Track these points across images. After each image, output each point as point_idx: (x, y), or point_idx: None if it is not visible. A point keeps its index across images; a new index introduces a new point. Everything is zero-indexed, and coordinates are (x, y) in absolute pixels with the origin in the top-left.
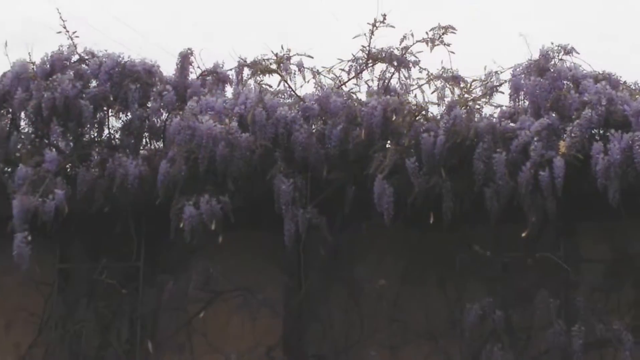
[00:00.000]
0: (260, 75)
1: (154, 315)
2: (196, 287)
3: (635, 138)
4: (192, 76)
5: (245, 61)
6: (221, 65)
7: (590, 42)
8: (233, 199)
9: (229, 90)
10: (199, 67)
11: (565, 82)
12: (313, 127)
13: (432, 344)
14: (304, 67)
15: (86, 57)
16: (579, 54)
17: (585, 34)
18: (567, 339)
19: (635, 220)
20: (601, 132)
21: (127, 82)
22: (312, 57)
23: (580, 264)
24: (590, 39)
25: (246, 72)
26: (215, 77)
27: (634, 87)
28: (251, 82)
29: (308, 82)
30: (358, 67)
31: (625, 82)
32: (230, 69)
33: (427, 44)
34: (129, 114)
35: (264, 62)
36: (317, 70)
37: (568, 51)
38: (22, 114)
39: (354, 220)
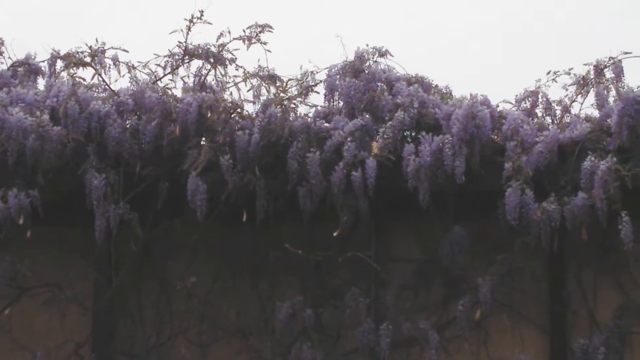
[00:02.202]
0: (74, 68)
1: None
2: (2, 283)
3: (445, 141)
4: (3, 67)
5: (59, 53)
6: (33, 57)
7: (408, 46)
8: (43, 193)
9: (42, 83)
10: (10, 57)
11: (379, 84)
12: (127, 122)
13: (242, 342)
14: (119, 61)
15: None
16: (393, 56)
17: (401, 37)
18: (375, 338)
19: (443, 221)
20: (413, 134)
21: None
22: (128, 52)
23: (390, 263)
24: (405, 42)
25: (59, 64)
26: (27, 69)
27: (445, 91)
28: (64, 74)
29: (123, 76)
30: (174, 63)
31: (437, 85)
32: (43, 61)
33: (244, 41)
34: None
35: (77, 55)
36: (133, 64)
37: (382, 53)
38: None
39: (166, 216)
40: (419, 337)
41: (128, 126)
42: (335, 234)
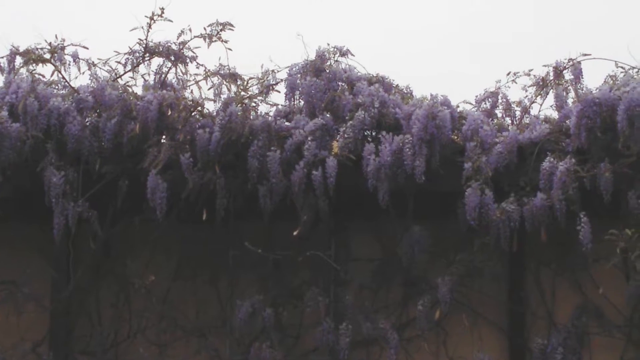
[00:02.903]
0: (33, 65)
1: None
2: None
3: (405, 140)
4: None
5: (18, 49)
6: None
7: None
8: (1, 190)
9: (0, 79)
10: None
11: (340, 83)
12: (87, 119)
13: (201, 341)
14: (79, 58)
15: None
16: (354, 56)
17: (365, 35)
18: (335, 337)
19: (403, 221)
20: (373, 133)
21: None
22: (88, 48)
23: (350, 263)
24: (369, 42)
25: (19, 60)
26: None
27: (406, 91)
28: (23, 71)
29: (83, 73)
30: (135, 61)
31: (397, 85)
32: (2, 57)
33: (204, 39)
34: None
35: (37, 51)
36: (93, 61)
37: (344, 53)
38: None
39: (126, 215)
40: (378, 336)
41: (88, 123)
42: (295, 233)
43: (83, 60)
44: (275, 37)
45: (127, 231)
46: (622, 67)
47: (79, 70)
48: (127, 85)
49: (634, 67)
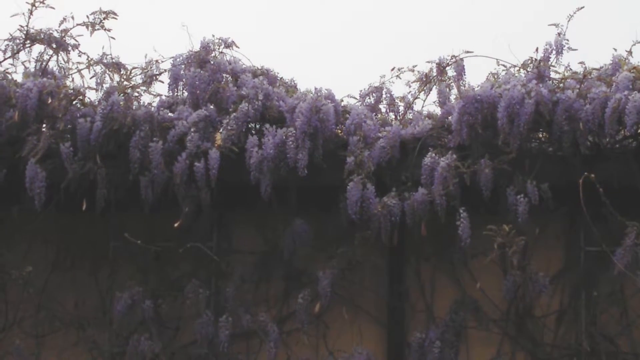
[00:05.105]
0: None
1: None
2: None
3: (289, 134)
4: None
5: None
6: None
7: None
8: None
9: None
10: None
11: (224, 75)
12: None
13: (80, 333)
14: None
15: None
16: (239, 48)
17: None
18: (214, 329)
19: (286, 214)
20: (257, 126)
21: None
22: None
23: (231, 255)
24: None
25: None
26: None
27: (290, 84)
28: None
29: None
30: (15, 47)
31: (282, 78)
32: None
33: (87, 27)
34: None
35: None
36: None
37: (229, 45)
38: None
39: (3, 204)
40: (258, 329)
41: None
42: (176, 225)
43: None
44: (161, 27)
45: (4, 221)
46: (503, 65)
47: None
48: (7, 72)
49: (515, 65)
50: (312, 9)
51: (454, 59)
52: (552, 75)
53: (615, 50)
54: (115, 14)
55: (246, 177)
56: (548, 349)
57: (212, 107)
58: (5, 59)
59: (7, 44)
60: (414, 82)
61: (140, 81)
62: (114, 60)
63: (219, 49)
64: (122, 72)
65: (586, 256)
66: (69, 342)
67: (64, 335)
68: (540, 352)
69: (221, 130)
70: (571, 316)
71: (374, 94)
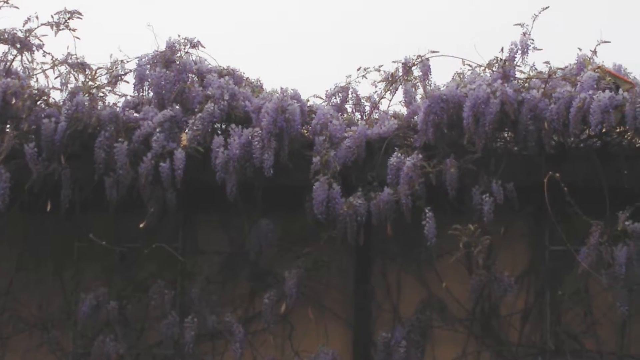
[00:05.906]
0: None
1: None
2: None
3: (254, 134)
4: None
5: None
6: None
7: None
8: None
9: None
10: None
11: (190, 75)
12: None
13: (44, 334)
14: None
15: None
16: (204, 48)
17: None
18: (180, 330)
19: (251, 214)
20: (223, 126)
21: None
22: None
23: (197, 256)
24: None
25: None
26: None
27: (256, 84)
28: None
29: None
30: None
31: (248, 78)
32: None
33: (52, 27)
34: None
35: None
36: None
37: (194, 44)
38: None
39: None
40: (224, 330)
41: None
42: (141, 226)
43: None
44: (126, 27)
45: None
46: (469, 65)
47: None
48: None
49: (480, 65)
50: (280, 9)
51: (419, 59)
52: (518, 75)
53: (580, 50)
54: (80, 13)
55: (212, 178)
56: (513, 348)
57: (177, 107)
58: None
59: None
60: (380, 82)
61: (106, 81)
62: (78, 61)
63: (184, 49)
64: (87, 72)
65: (551, 255)
66: (33, 344)
67: (27, 337)
68: (505, 351)
69: (187, 130)
70: (536, 315)
71: (340, 94)
